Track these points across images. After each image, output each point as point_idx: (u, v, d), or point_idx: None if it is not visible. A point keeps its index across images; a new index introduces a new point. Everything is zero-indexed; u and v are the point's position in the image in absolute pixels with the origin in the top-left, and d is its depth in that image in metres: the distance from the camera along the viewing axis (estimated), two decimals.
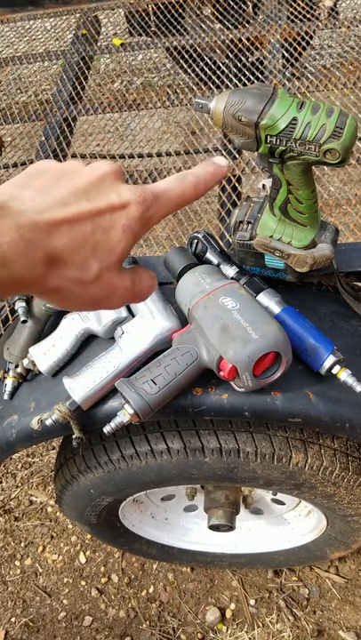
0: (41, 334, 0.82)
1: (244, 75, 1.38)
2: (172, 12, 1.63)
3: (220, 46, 1.56)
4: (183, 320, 0.73)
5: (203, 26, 1.67)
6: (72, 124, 1.35)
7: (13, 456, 1.67)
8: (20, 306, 0.80)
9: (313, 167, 0.61)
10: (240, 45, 1.50)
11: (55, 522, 1.56)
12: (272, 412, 0.71)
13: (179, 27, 1.59)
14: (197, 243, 0.79)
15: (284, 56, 1.40)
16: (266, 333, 0.63)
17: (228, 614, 1.37)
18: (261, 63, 1.48)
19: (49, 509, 1.58)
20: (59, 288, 0.36)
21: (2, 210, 0.32)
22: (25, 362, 0.79)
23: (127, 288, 0.39)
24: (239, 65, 1.50)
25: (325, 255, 0.69)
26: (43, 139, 1.29)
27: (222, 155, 1.19)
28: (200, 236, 0.80)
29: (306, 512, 1.19)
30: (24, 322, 0.80)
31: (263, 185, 0.80)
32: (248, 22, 1.64)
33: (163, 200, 0.39)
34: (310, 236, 0.68)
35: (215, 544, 1.31)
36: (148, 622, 1.38)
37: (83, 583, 1.45)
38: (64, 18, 1.79)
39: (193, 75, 1.52)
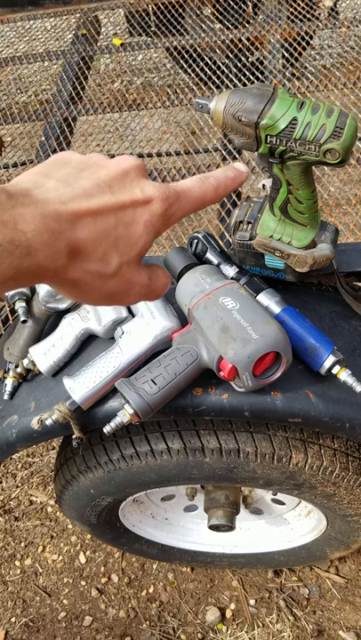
0: (41, 334, 0.82)
1: (244, 75, 1.38)
2: (172, 12, 1.63)
3: (220, 46, 1.56)
4: (183, 320, 0.73)
5: (203, 26, 1.67)
6: (72, 123, 1.35)
7: (13, 456, 1.67)
8: (20, 306, 0.80)
9: (313, 167, 0.61)
10: (240, 45, 1.50)
11: (55, 522, 1.56)
12: (272, 411, 0.70)
13: (179, 27, 1.59)
14: (197, 243, 0.79)
15: (284, 56, 1.40)
16: (266, 333, 0.63)
17: (228, 614, 1.37)
18: (261, 63, 1.48)
19: (49, 509, 1.58)
20: (78, 280, 0.35)
21: (26, 197, 0.32)
22: (25, 362, 0.79)
23: (144, 285, 0.39)
24: (239, 65, 1.50)
25: (325, 255, 0.69)
26: (43, 139, 1.29)
27: (222, 155, 1.19)
28: (200, 235, 0.80)
29: (306, 512, 1.19)
30: (24, 322, 0.80)
31: (263, 185, 0.80)
32: (248, 22, 1.64)
33: (184, 199, 0.39)
34: (310, 236, 0.68)
35: (215, 544, 1.31)
36: (148, 622, 1.38)
37: (83, 583, 1.45)
38: (64, 18, 1.79)
39: (193, 75, 1.52)
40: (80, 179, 0.36)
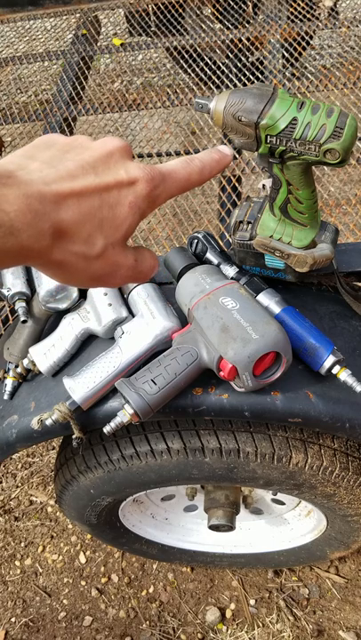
0: (41, 334, 0.82)
1: (244, 75, 1.38)
2: (172, 12, 1.63)
3: (220, 46, 1.56)
4: (183, 320, 0.73)
5: (203, 26, 1.67)
6: (72, 123, 1.35)
7: (13, 456, 1.67)
8: (20, 306, 0.80)
9: (313, 167, 0.61)
10: (240, 45, 1.50)
11: (55, 522, 1.56)
12: (272, 411, 0.70)
13: (179, 27, 1.59)
14: (197, 243, 0.79)
15: (284, 56, 1.40)
16: (266, 333, 0.63)
17: (228, 614, 1.37)
18: (261, 63, 1.48)
19: (49, 509, 1.58)
20: (63, 261, 0.35)
21: (9, 178, 0.32)
22: (25, 362, 0.79)
23: (130, 266, 0.39)
24: (239, 65, 1.50)
25: (325, 255, 0.69)
26: None
27: None
28: (200, 235, 0.80)
29: (306, 512, 1.19)
30: (24, 322, 0.80)
31: (263, 185, 0.80)
32: (248, 22, 1.64)
33: (170, 180, 0.39)
34: (310, 236, 0.68)
35: (215, 544, 1.31)
36: (148, 622, 1.38)
37: (83, 583, 1.45)
38: (64, 18, 1.79)
39: (193, 75, 1.52)
40: (64, 160, 0.36)
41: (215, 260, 0.78)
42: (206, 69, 1.42)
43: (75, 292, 0.80)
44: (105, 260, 0.37)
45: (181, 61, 1.59)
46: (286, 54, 1.41)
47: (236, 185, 1.12)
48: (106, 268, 0.37)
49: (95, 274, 0.37)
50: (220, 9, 1.66)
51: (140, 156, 1.35)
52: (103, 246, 0.36)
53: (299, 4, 1.54)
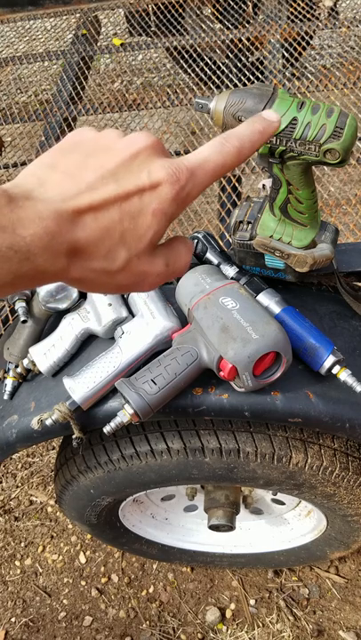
0: (41, 334, 0.82)
1: (244, 75, 1.38)
2: (172, 12, 1.63)
3: (220, 46, 1.56)
4: (183, 320, 0.73)
5: (203, 26, 1.67)
6: (72, 124, 1.35)
7: (13, 456, 1.67)
8: (20, 306, 0.80)
9: (313, 167, 0.61)
10: (240, 45, 1.50)
11: (55, 522, 1.56)
12: (272, 411, 0.70)
13: (179, 27, 1.59)
14: (197, 243, 0.79)
15: (284, 56, 1.40)
16: (266, 333, 0.63)
17: (228, 614, 1.37)
18: (261, 63, 1.48)
19: (49, 509, 1.58)
20: (82, 278, 0.34)
21: (27, 200, 0.31)
22: (25, 362, 0.79)
23: (160, 273, 0.37)
24: (239, 65, 1.50)
25: (325, 255, 0.69)
26: (43, 139, 1.30)
27: None
28: (200, 235, 0.80)
29: (306, 512, 1.19)
30: (24, 322, 0.80)
31: (263, 185, 0.80)
32: (248, 22, 1.64)
33: (200, 173, 0.35)
34: (310, 236, 0.68)
35: (215, 544, 1.31)
36: (148, 622, 1.38)
37: (83, 583, 1.45)
38: (64, 18, 1.79)
39: (193, 75, 1.52)
40: (85, 169, 0.34)
41: (215, 260, 0.78)
42: (206, 69, 1.42)
43: (75, 292, 0.80)
44: (129, 271, 0.35)
45: (181, 61, 1.59)
46: (286, 54, 1.41)
47: (236, 185, 1.12)
48: (131, 278, 0.36)
49: (120, 284, 0.36)
50: (220, 9, 1.66)
51: None
52: (126, 259, 0.34)
53: (299, 4, 1.54)
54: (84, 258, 0.33)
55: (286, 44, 1.44)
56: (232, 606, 1.38)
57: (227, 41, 1.51)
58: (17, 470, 1.67)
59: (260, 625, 1.35)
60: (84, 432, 0.75)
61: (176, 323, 0.73)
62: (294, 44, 1.44)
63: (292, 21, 1.50)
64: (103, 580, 1.45)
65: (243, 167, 1.13)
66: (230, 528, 1.09)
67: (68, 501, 1.02)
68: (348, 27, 1.49)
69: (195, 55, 1.48)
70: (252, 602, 1.38)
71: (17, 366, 0.80)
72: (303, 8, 1.53)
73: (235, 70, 1.40)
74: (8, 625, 1.41)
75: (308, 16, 1.51)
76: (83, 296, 0.81)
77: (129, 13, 1.71)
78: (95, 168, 0.34)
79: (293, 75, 1.38)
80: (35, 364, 0.78)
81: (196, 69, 1.46)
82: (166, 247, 0.38)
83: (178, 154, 1.34)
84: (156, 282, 0.37)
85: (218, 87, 1.42)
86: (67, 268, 0.33)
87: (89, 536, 1.52)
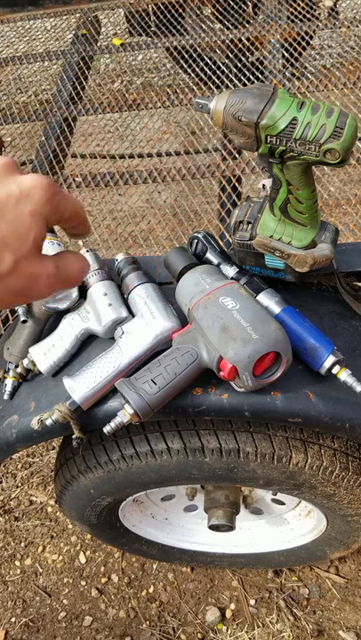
0: (41, 334, 0.82)
1: (244, 75, 1.38)
2: (172, 12, 1.63)
3: (220, 46, 1.56)
4: (183, 320, 0.73)
5: (203, 26, 1.67)
6: (72, 123, 1.35)
7: (13, 456, 1.67)
8: (20, 306, 0.80)
9: (313, 167, 0.61)
10: (240, 45, 1.50)
11: (55, 522, 1.56)
12: (272, 411, 0.70)
13: (179, 27, 1.59)
14: (197, 243, 0.79)
15: (284, 56, 1.40)
16: (266, 333, 0.63)
17: (228, 614, 1.37)
18: (261, 63, 1.48)
19: (49, 509, 1.58)
20: None
21: None
22: (25, 362, 0.79)
23: (51, 274, 0.39)
24: (239, 65, 1.50)
25: (325, 255, 0.69)
26: (43, 139, 1.30)
27: (222, 154, 1.19)
28: (200, 235, 0.80)
29: (306, 512, 1.19)
30: (24, 322, 0.80)
31: (263, 185, 0.80)
32: (248, 22, 1.64)
33: (65, 194, 0.39)
34: (310, 236, 0.68)
35: (215, 544, 1.31)
36: (148, 622, 1.38)
37: (83, 583, 1.45)
38: (64, 18, 1.79)
39: (193, 75, 1.52)
40: None
41: (215, 260, 0.78)
42: (206, 69, 1.42)
43: (75, 292, 0.80)
44: (19, 274, 0.37)
45: (181, 61, 1.59)
46: (286, 54, 1.41)
47: (236, 185, 1.12)
48: (23, 281, 0.37)
49: (13, 289, 0.37)
50: (220, 9, 1.66)
51: (140, 156, 1.35)
52: (13, 261, 0.36)
53: (299, 4, 1.54)
54: None
55: (286, 44, 1.44)
56: (232, 606, 1.38)
57: (227, 41, 1.51)
58: (17, 470, 1.67)
59: (260, 625, 1.35)
60: (84, 432, 0.75)
61: (176, 323, 0.73)
62: (294, 44, 1.44)
63: (292, 21, 1.50)
64: (103, 580, 1.45)
65: (243, 167, 1.13)
66: (230, 528, 1.09)
67: (68, 501, 1.02)
68: (348, 27, 1.49)
69: (195, 55, 1.48)
70: (252, 602, 1.38)
71: (17, 366, 0.80)
72: (303, 8, 1.53)
73: (235, 70, 1.40)
74: (8, 625, 1.41)
75: (308, 16, 1.51)
76: (83, 296, 0.81)
77: (129, 13, 1.71)
78: None
79: (293, 75, 1.38)
80: (35, 364, 0.78)
81: (196, 69, 1.46)
82: (56, 254, 0.40)
83: (178, 154, 1.35)
84: (49, 284, 0.39)
85: (218, 87, 1.42)
86: None
87: (89, 536, 1.52)
